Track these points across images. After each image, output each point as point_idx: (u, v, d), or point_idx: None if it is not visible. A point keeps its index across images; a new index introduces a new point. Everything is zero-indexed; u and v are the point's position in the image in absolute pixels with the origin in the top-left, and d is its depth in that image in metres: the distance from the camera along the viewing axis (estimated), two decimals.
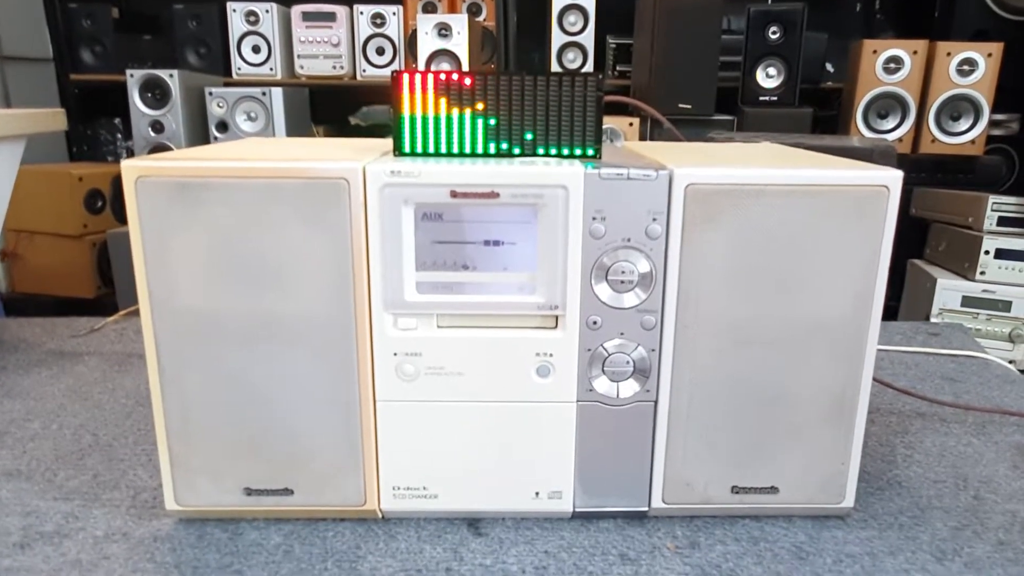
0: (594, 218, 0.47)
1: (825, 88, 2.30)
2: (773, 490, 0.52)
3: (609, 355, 0.50)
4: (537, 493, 0.52)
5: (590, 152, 0.50)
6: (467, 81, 0.50)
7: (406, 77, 0.51)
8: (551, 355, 0.50)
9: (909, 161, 2.17)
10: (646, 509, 0.53)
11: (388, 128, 0.53)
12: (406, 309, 0.49)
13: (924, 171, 2.23)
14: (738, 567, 0.49)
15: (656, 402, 0.51)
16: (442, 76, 0.51)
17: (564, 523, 0.53)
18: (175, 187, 0.46)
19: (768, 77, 1.98)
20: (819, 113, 2.14)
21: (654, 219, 0.47)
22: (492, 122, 0.50)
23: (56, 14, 2.66)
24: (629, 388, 0.50)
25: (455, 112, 0.51)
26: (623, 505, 0.53)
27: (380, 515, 0.53)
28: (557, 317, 0.49)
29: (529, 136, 0.50)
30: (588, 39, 2.36)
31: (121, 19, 2.84)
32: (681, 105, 2.00)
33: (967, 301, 1.95)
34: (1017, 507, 0.56)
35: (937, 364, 0.89)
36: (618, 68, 2.32)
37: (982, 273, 1.96)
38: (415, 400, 0.50)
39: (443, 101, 0.51)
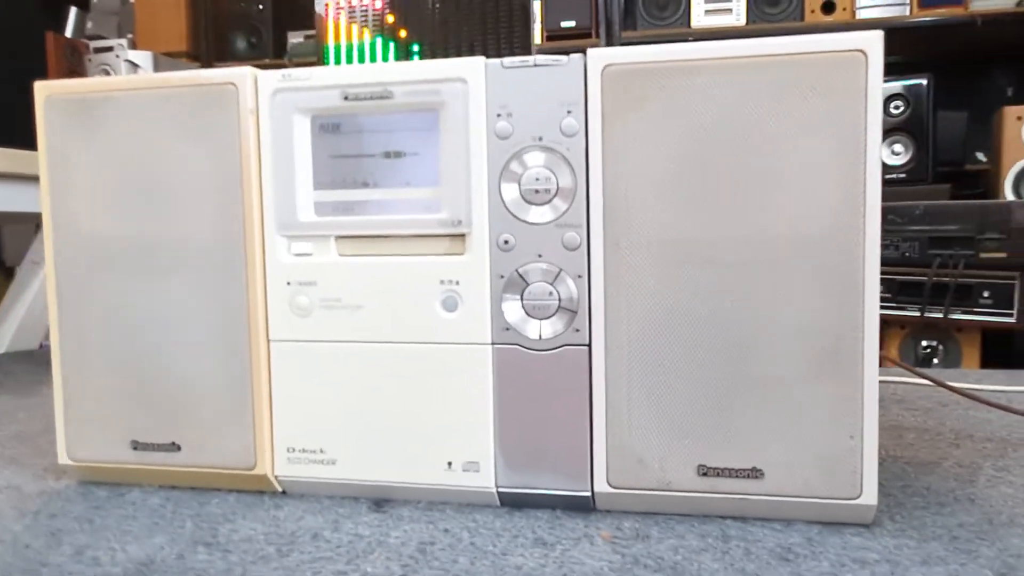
0: (499, 115, 0.40)
1: (971, 170, 2.06)
2: (756, 473, 0.39)
3: (528, 285, 0.41)
4: (450, 464, 0.42)
5: None
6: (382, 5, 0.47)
7: (332, 8, 0.48)
8: (457, 283, 0.42)
9: None
10: (588, 494, 0.41)
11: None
12: (300, 231, 0.43)
13: None
14: (687, 560, 0.35)
15: (590, 346, 0.40)
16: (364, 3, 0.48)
17: (488, 510, 0.42)
18: (77, 103, 0.45)
19: (894, 155, 1.81)
20: (961, 192, 1.91)
21: (569, 112, 0.40)
22: (398, 42, 0.46)
23: None
24: (554, 327, 0.41)
25: (378, 38, 0.47)
26: (559, 487, 0.41)
27: (277, 486, 0.45)
28: (464, 237, 0.42)
29: (416, 47, 0.45)
30: None
31: None
32: None
33: None
34: None
35: None
36: None
37: None
38: (310, 340, 0.44)
39: (366, 29, 0.48)
